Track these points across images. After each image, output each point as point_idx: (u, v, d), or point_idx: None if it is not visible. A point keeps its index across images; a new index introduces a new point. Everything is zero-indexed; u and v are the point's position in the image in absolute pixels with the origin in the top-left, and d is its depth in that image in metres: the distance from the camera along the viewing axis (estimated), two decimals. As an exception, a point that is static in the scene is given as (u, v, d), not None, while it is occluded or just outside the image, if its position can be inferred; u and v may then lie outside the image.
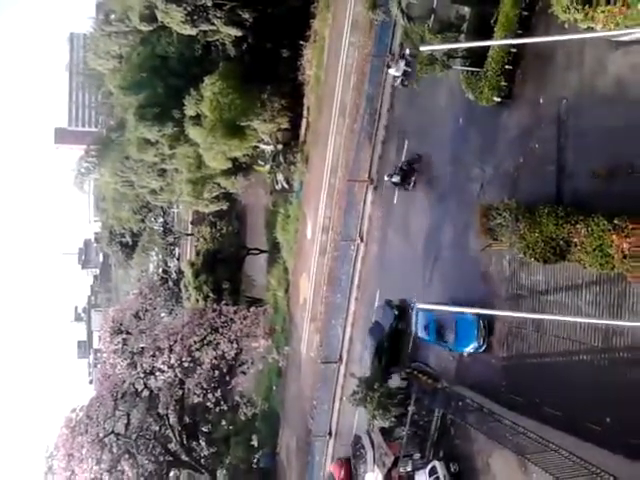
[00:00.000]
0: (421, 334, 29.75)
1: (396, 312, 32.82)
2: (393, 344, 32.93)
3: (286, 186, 49.42)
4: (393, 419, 30.49)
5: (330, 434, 41.03)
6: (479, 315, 25.98)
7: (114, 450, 48.32)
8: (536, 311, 23.74)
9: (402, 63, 31.53)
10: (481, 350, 26.52)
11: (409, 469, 29.33)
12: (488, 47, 24.48)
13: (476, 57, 25.25)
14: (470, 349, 26.87)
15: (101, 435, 47.93)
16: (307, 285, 45.64)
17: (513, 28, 23.57)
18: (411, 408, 29.44)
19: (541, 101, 24.01)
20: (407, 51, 31.16)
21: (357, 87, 38.25)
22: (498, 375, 25.70)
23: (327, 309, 42.41)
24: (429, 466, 27.80)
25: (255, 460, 51.02)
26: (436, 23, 27.60)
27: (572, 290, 22.31)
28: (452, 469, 27.16)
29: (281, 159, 47.92)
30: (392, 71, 31.85)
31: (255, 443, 50.59)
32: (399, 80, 32.11)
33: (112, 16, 53.13)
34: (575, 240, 20.62)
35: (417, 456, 29.15)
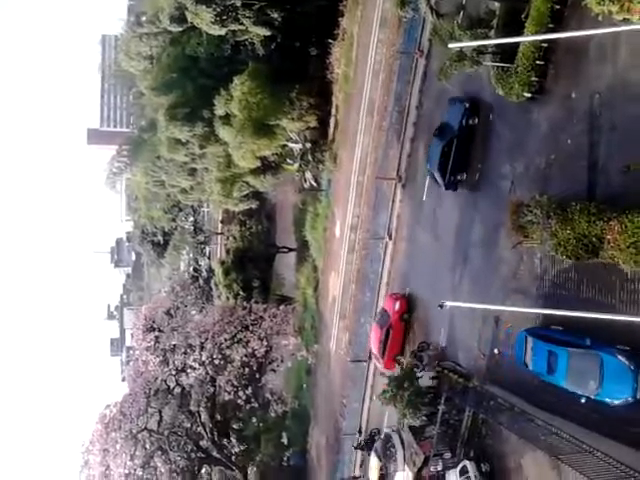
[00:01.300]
0: (532, 366, 23.72)
1: (467, 105, 29.03)
2: (462, 144, 29.44)
3: (315, 184, 49.49)
4: (423, 418, 30.37)
5: (360, 432, 40.99)
6: (633, 352, 20.58)
7: (147, 446, 49.09)
8: (568, 309, 23.35)
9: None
10: (631, 400, 20.29)
11: (439, 468, 29.16)
12: (519, 42, 24.14)
13: (506, 52, 24.91)
14: (620, 401, 20.47)
15: (134, 431, 48.74)
16: (336, 283, 45.65)
17: (545, 22, 23.15)
18: (441, 407, 29.26)
19: (573, 96, 23.62)
20: None
21: (385, 85, 38.08)
22: (529, 374, 25.38)
23: (356, 307, 42.38)
24: (460, 465, 27.60)
25: (285, 458, 51.25)
26: (465, 19, 27.31)
27: (605, 288, 21.92)
28: (483, 469, 26.92)
29: (310, 157, 47.95)
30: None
31: (285, 441, 50.80)
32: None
33: (143, 18, 53.78)
34: (608, 237, 20.27)
35: (448, 455, 28.97)
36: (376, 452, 34.74)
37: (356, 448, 40.08)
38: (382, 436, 35.52)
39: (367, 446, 37.90)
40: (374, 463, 34.84)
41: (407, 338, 35.01)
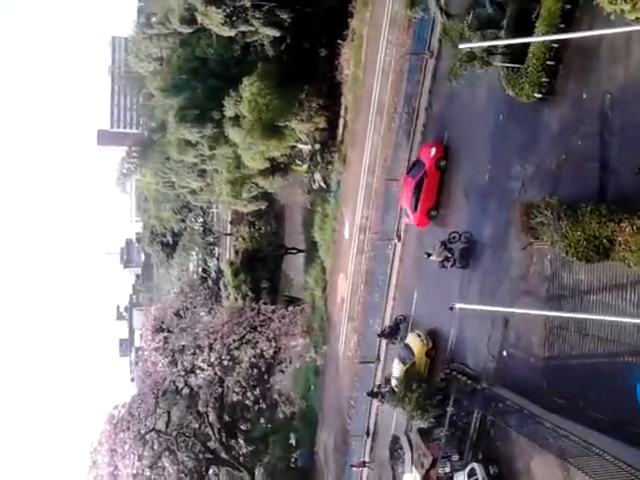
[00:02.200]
0: None
1: None
2: None
3: (324, 185, 49.50)
4: (431, 420, 30.26)
5: (368, 434, 40.91)
6: None
7: (155, 447, 49.14)
8: (578, 311, 23.22)
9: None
10: None
11: (447, 470, 29.00)
12: (529, 43, 24.02)
13: (517, 53, 24.77)
14: None
15: (142, 432, 48.81)
16: (345, 284, 45.61)
17: (556, 22, 22.99)
18: (450, 409, 29.12)
19: (584, 96, 23.47)
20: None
21: (395, 85, 38.03)
22: (539, 376, 25.20)
23: (364, 309, 42.31)
24: (468, 468, 27.43)
25: (293, 459, 51.22)
26: (475, 19, 27.19)
27: (616, 290, 21.77)
28: (491, 471, 26.72)
29: (319, 158, 48.00)
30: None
31: (293, 442, 50.76)
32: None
33: (153, 19, 54.06)
34: (619, 239, 20.11)
35: (456, 457, 28.80)
36: (400, 358, 34.08)
37: (380, 335, 38.61)
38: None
39: (391, 333, 36.97)
40: (398, 370, 33.74)
41: (442, 191, 32.75)
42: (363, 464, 40.50)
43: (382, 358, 39.59)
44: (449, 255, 30.64)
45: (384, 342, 39.07)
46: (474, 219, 30.54)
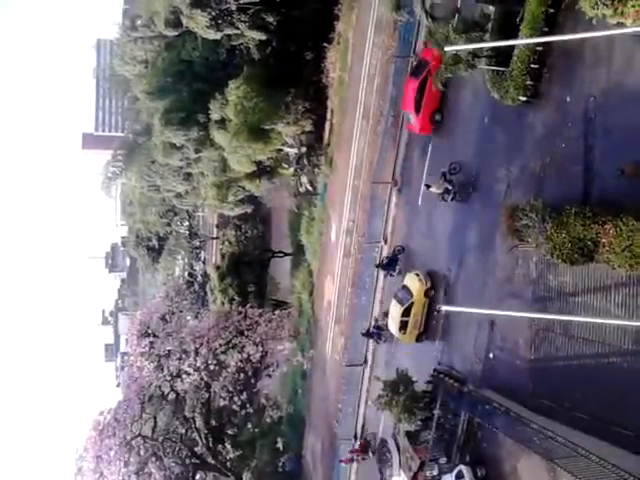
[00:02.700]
0: None
1: None
2: None
3: (310, 189, 49.48)
4: (419, 423, 30.26)
5: (355, 438, 40.84)
6: None
7: (141, 453, 48.80)
8: (564, 313, 23.34)
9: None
10: None
11: (435, 473, 29.03)
12: (514, 46, 24.17)
13: (501, 56, 24.94)
14: None
15: (128, 438, 48.48)
16: (331, 288, 45.58)
17: (539, 26, 23.18)
18: (437, 412, 29.18)
19: (568, 100, 23.64)
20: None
21: (381, 89, 38.11)
22: (525, 378, 25.31)
23: (351, 311, 42.30)
24: (455, 470, 27.46)
25: (281, 463, 51.04)
26: (460, 22, 27.29)
27: (601, 292, 21.90)
28: (479, 473, 26.77)
29: (305, 162, 47.99)
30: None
31: (281, 446, 50.59)
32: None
33: (138, 22, 53.77)
34: (603, 240, 20.23)
35: (443, 460, 28.83)
36: (397, 298, 33.08)
37: (378, 266, 37.56)
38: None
39: (389, 264, 35.80)
40: (395, 310, 32.94)
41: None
42: (352, 459, 40.38)
43: (369, 362, 39.57)
44: (449, 187, 29.94)
45: (370, 342, 38.92)
46: (459, 222, 30.65)
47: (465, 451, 28.04)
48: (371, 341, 39.05)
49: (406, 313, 32.21)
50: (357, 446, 40.19)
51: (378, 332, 37.22)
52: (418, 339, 32.90)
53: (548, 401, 23.69)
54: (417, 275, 32.54)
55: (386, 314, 35.38)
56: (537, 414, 23.62)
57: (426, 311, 32.24)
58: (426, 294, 32.04)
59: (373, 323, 38.31)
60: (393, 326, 33.52)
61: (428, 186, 31.12)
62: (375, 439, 38.20)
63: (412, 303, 32.03)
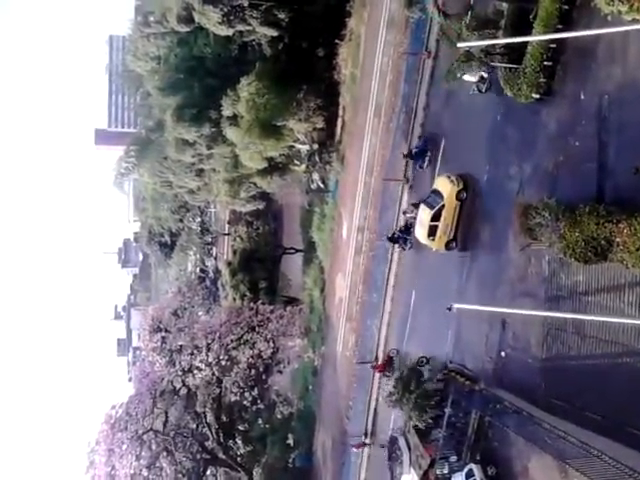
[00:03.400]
0: None
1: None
2: None
3: (322, 185, 49.40)
4: (429, 420, 30.21)
5: (366, 435, 40.82)
6: None
7: (153, 447, 49.10)
8: (576, 312, 23.18)
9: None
10: None
11: (445, 471, 28.97)
12: (527, 43, 23.97)
13: (514, 53, 24.77)
14: None
15: (140, 432, 48.75)
16: (343, 285, 45.52)
17: (553, 23, 22.99)
18: (448, 410, 29.10)
19: (582, 97, 23.43)
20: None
21: (393, 85, 37.94)
22: (537, 377, 25.18)
23: (363, 309, 42.24)
24: (466, 469, 27.41)
25: (291, 459, 51.14)
26: (473, 19, 27.12)
27: (614, 291, 21.72)
28: (489, 472, 26.72)
29: (317, 158, 47.89)
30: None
31: (291, 442, 50.67)
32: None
33: (150, 18, 53.82)
34: (617, 240, 20.07)
35: (454, 458, 28.79)
36: (426, 202, 31.15)
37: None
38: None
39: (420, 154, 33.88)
40: (424, 214, 30.92)
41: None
42: (363, 444, 40.24)
43: (380, 359, 39.53)
44: (485, 76, 28.34)
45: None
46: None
47: (476, 450, 27.97)
48: (396, 250, 36.98)
49: (436, 217, 30.24)
50: (379, 361, 38.30)
51: (404, 236, 35.02)
52: (448, 246, 30.89)
53: (560, 401, 23.56)
54: (448, 177, 30.45)
55: (410, 226, 33.57)
56: (549, 413, 23.52)
57: (457, 216, 30.22)
58: (458, 197, 30.04)
59: (398, 228, 36.21)
60: (421, 232, 31.28)
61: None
62: (398, 355, 36.47)
63: (442, 206, 30.09)
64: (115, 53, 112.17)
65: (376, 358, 39.11)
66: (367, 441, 40.11)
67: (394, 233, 36.39)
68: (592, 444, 20.61)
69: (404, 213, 35.92)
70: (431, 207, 30.73)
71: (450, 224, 30.52)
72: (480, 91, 28.87)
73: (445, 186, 30.43)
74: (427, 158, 34.05)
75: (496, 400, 26.57)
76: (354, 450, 41.27)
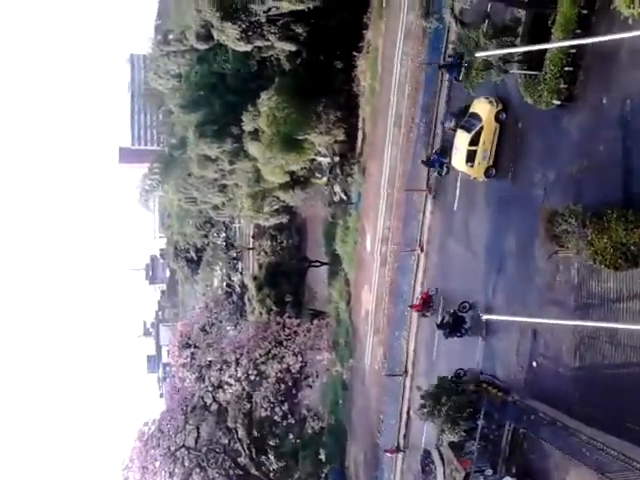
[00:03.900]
0: None
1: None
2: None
3: (344, 198, 49.34)
4: (462, 433, 29.71)
5: (398, 448, 40.45)
6: None
7: (186, 463, 49.29)
8: (608, 320, 22.73)
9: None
10: None
11: (481, 485, 28.54)
12: (546, 49, 23.72)
13: (534, 60, 24.52)
14: None
15: (173, 448, 49.00)
16: (369, 297, 45.32)
17: (572, 28, 22.73)
18: (480, 422, 28.67)
19: (604, 102, 23.10)
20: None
21: (412, 96, 37.84)
22: (571, 387, 24.72)
23: (390, 321, 41.97)
24: (501, 482, 26.99)
25: (324, 474, 50.85)
26: (490, 27, 26.94)
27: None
28: (526, 485, 26.27)
29: (338, 171, 47.91)
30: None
31: (323, 457, 50.41)
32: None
33: (170, 36, 54.55)
34: (647, 245, 19.71)
35: (489, 472, 28.28)
36: (463, 127, 29.32)
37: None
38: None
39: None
40: (461, 140, 29.14)
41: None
42: (397, 449, 39.80)
43: (409, 372, 39.20)
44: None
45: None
46: (496, 229, 30.20)
47: (511, 462, 27.49)
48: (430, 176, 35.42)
49: (474, 142, 28.62)
50: (417, 301, 36.69)
51: (440, 160, 33.04)
52: (487, 173, 29.37)
53: (596, 411, 23.06)
54: (487, 98, 28.85)
55: (445, 149, 32.02)
56: (585, 424, 23.01)
57: (497, 140, 28.55)
58: (497, 118, 28.45)
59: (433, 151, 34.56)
60: (459, 158, 29.59)
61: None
62: (438, 293, 35.12)
63: (481, 128, 28.46)
64: (137, 72, 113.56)
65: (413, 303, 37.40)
66: (401, 446, 39.60)
67: (429, 156, 34.27)
68: (634, 457, 20.09)
69: (442, 123, 33.75)
70: (469, 131, 28.98)
71: (489, 149, 28.78)
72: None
73: (483, 107, 28.65)
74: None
75: (530, 411, 26.12)
76: (388, 455, 40.72)
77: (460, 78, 31.57)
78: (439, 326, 33.00)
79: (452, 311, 32.23)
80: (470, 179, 30.90)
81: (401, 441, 40.21)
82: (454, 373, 32.11)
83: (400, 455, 40.21)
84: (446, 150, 32.64)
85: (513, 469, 27.25)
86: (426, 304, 35.68)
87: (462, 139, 29.34)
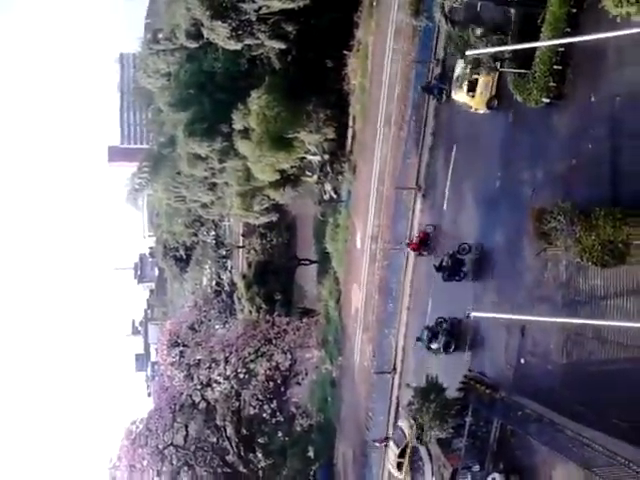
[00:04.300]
0: None
1: None
2: None
3: (334, 196, 49.39)
4: (450, 430, 29.81)
5: (387, 446, 40.48)
6: None
7: (174, 462, 49.21)
8: (596, 317, 22.91)
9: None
10: None
11: (468, 481, 28.68)
12: (535, 48, 23.88)
13: (523, 58, 24.69)
14: None
15: (161, 447, 48.89)
16: (358, 295, 45.40)
17: (561, 27, 22.93)
18: (468, 419, 28.80)
19: (593, 100, 23.30)
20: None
21: (402, 94, 37.95)
22: (558, 383, 24.90)
23: (379, 319, 42.07)
24: (489, 478, 27.09)
25: (312, 472, 50.87)
26: (481, 26, 27.09)
27: (634, 294, 21.46)
28: (513, 481, 26.42)
29: (328, 169, 47.89)
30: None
31: (311, 454, 50.42)
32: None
33: (160, 35, 54.36)
34: (635, 242, 19.87)
35: (476, 468, 28.45)
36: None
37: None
38: None
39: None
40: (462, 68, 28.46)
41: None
42: (386, 439, 39.84)
43: (398, 369, 39.29)
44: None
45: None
46: (484, 228, 30.34)
47: (498, 459, 27.64)
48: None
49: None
50: (414, 239, 35.78)
51: (439, 85, 32.08)
52: (489, 104, 28.77)
53: (583, 407, 23.19)
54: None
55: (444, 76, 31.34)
56: (572, 420, 23.14)
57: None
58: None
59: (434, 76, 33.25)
60: (460, 89, 29.16)
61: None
62: (434, 231, 34.55)
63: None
64: (126, 71, 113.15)
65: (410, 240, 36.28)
66: (390, 436, 39.60)
67: (429, 82, 33.38)
68: (619, 452, 20.23)
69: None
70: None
71: (491, 80, 28.39)
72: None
73: None
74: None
75: (517, 408, 26.23)
76: (377, 445, 40.77)
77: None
78: (438, 269, 32.15)
79: (451, 253, 31.34)
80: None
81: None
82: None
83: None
84: (445, 75, 32.00)
85: (501, 465, 27.40)
86: (423, 243, 34.71)
87: (463, 68, 28.71)
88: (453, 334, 32.01)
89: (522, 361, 27.17)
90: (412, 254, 37.29)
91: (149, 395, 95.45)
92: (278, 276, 57.03)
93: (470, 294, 30.85)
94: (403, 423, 34.01)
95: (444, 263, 31.62)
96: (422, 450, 32.81)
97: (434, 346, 32.31)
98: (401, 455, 33.65)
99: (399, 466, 34.10)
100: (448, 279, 31.64)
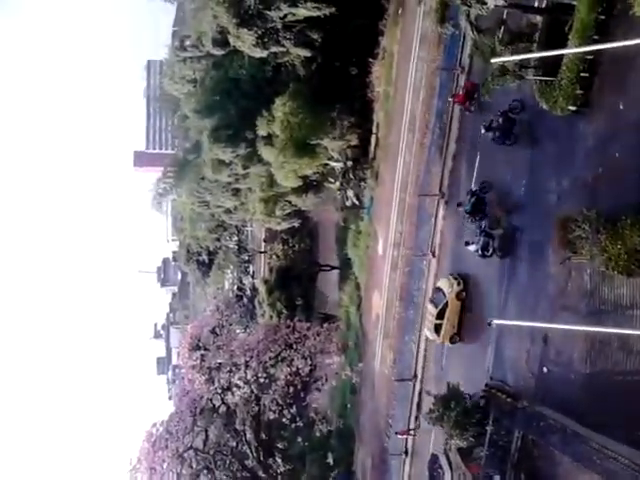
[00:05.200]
0: None
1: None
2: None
3: (356, 202, 49.50)
4: (471, 439, 29.60)
5: (406, 453, 40.36)
6: None
7: (193, 465, 49.48)
8: (621, 327, 22.63)
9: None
10: None
11: (489, 491, 28.41)
12: (562, 55, 23.75)
13: (550, 66, 24.53)
14: None
15: (180, 450, 49.17)
16: (379, 301, 45.36)
17: (589, 34, 22.71)
18: (489, 428, 28.57)
19: (621, 107, 23.07)
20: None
21: (426, 101, 37.96)
22: (582, 394, 24.58)
23: (400, 325, 41.96)
24: (510, 488, 26.85)
25: (331, 478, 50.74)
26: (507, 34, 27.03)
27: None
28: (534, 492, 26.12)
29: (351, 176, 48.09)
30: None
31: (331, 461, 50.35)
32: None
33: (187, 42, 55.02)
34: (662, 252, 19.66)
35: (497, 478, 28.15)
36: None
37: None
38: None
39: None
40: None
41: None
42: (408, 431, 39.54)
43: (419, 376, 39.14)
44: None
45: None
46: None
47: (520, 469, 27.32)
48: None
49: None
50: (460, 90, 32.26)
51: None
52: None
53: (607, 418, 22.91)
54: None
55: None
56: (595, 432, 22.86)
57: None
58: None
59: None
60: None
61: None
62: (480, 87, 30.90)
63: None
64: (153, 77, 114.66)
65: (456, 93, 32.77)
66: (412, 430, 39.27)
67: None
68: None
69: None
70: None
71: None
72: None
73: None
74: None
75: (539, 417, 25.97)
76: (399, 437, 40.45)
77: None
78: (487, 128, 29.05)
79: (502, 111, 28.21)
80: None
81: (409, 446, 40.09)
82: (480, 185, 30.57)
83: (410, 438, 39.77)
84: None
85: (522, 476, 27.11)
86: (470, 95, 31.26)
87: None
88: None
89: (544, 370, 26.91)
90: (433, 260, 37.19)
91: (170, 398, 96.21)
92: (299, 282, 57.22)
93: (494, 296, 30.62)
94: (442, 283, 32.93)
95: (494, 124, 28.74)
96: (442, 458, 32.60)
97: None
98: (439, 316, 32.49)
99: (437, 328, 32.82)
100: (499, 140, 28.84)
